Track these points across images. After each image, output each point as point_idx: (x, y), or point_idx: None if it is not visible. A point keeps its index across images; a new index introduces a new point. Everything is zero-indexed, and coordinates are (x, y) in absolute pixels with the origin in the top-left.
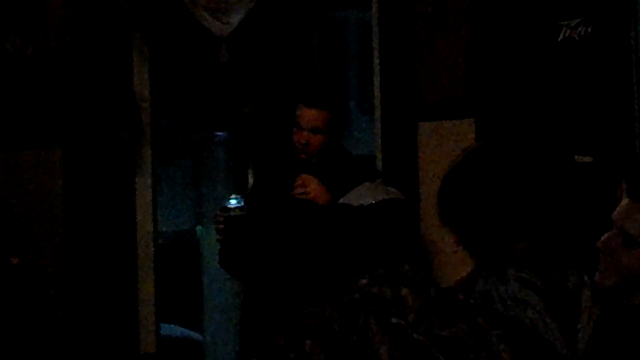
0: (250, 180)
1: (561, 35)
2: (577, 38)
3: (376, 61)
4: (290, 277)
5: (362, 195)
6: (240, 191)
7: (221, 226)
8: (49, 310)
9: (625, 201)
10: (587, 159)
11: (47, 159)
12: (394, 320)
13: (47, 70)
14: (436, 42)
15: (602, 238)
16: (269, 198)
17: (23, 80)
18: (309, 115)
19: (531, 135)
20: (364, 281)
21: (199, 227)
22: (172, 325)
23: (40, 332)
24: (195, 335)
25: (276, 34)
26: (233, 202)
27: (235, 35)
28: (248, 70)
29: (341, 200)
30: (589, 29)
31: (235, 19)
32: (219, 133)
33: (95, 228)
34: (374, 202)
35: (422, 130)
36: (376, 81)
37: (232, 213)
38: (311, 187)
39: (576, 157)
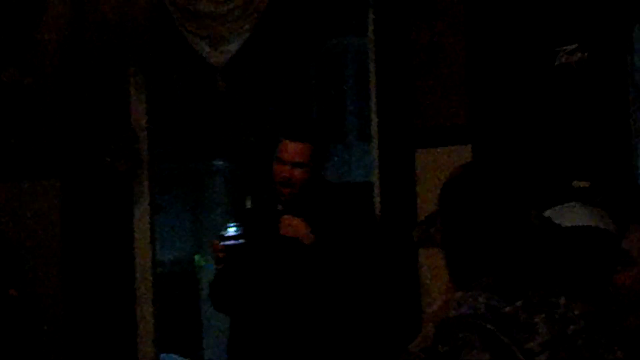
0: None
1: (557, 61)
2: (573, 64)
3: (373, 87)
4: (277, 313)
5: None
6: (238, 219)
7: (221, 254)
8: (49, 340)
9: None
10: (585, 184)
11: (45, 189)
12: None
13: (45, 100)
14: (433, 68)
15: None
16: (257, 233)
17: (20, 111)
18: (291, 150)
19: (529, 161)
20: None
21: (197, 256)
22: (172, 355)
23: None
24: None
25: (274, 62)
26: (231, 230)
27: (233, 63)
28: (246, 99)
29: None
30: (585, 55)
31: (232, 47)
32: (216, 162)
33: (93, 258)
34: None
35: (420, 156)
36: (373, 107)
37: (231, 242)
38: (296, 227)
39: (574, 182)
